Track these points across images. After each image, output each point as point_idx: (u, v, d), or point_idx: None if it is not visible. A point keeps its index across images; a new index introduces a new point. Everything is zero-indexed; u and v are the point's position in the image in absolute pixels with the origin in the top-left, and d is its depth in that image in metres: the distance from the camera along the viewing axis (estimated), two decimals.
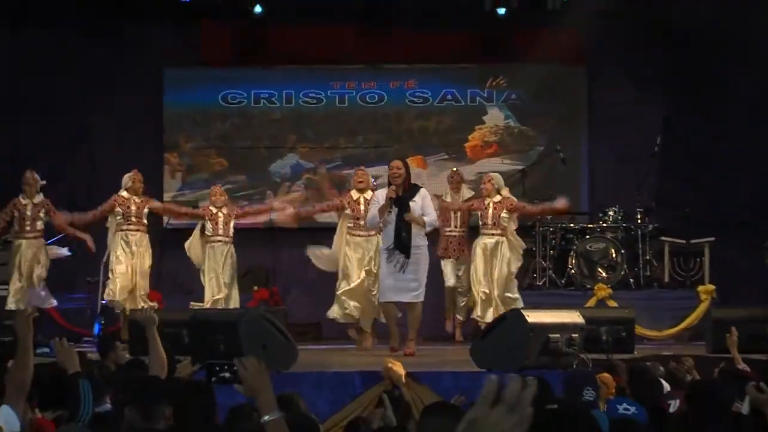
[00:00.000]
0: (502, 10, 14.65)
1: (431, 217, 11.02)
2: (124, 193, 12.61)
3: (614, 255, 13.98)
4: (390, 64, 15.84)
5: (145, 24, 14.89)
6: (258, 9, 14.71)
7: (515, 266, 12.48)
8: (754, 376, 7.08)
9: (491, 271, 12.32)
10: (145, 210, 12.71)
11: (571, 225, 14.32)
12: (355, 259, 12.14)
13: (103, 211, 12.59)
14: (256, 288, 14.24)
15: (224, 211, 12.79)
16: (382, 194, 11.07)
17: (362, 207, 11.96)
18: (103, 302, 12.79)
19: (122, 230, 12.56)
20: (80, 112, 15.05)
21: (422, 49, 15.49)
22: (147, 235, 12.73)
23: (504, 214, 12.30)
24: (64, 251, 13.13)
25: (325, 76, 15.93)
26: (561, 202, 12.81)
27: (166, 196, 15.36)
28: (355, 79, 15.92)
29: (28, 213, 12.62)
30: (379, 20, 15.03)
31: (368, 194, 11.99)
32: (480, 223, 12.47)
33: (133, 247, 12.55)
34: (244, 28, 15.34)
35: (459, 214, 13.01)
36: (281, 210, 13.07)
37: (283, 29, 15.27)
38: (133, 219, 12.57)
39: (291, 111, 15.93)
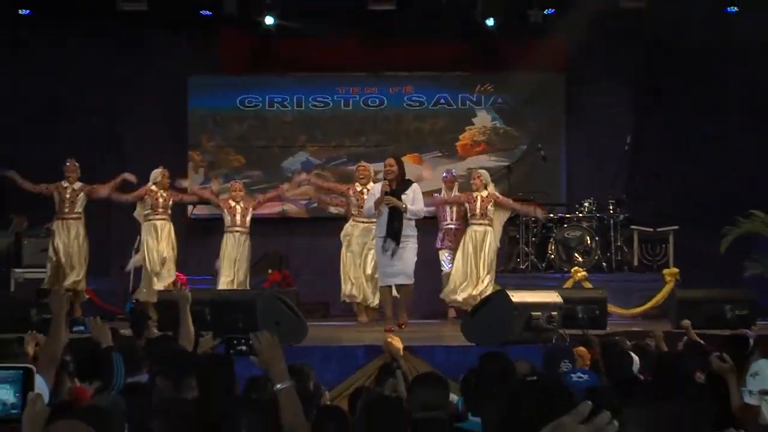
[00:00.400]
0: (490, 21, 14.64)
1: (417, 207, 11.13)
2: (153, 187, 12.76)
3: (589, 242, 14.00)
4: (390, 72, 15.83)
5: (168, 35, 14.88)
6: (270, 20, 14.69)
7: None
8: (714, 350, 7.10)
9: (478, 255, 12.38)
10: (170, 202, 12.87)
11: (551, 215, 14.30)
12: (360, 238, 12.31)
13: (136, 196, 12.78)
14: (270, 271, 14.26)
15: (242, 204, 12.82)
16: (378, 187, 11.18)
17: (365, 197, 11.99)
18: (130, 268, 13.06)
19: (149, 220, 12.76)
20: (111, 113, 15.07)
21: (418, 58, 15.50)
22: (171, 224, 12.88)
23: (490, 207, 12.37)
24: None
25: (332, 82, 15.93)
26: (540, 212, 13.21)
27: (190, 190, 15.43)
28: (358, 85, 15.93)
29: (67, 196, 12.79)
30: (380, 33, 15.02)
31: (370, 185, 12.10)
32: (469, 214, 12.50)
33: (160, 233, 12.73)
34: (259, 39, 15.31)
35: (455, 209, 13.01)
36: (293, 188, 13.30)
37: (294, 40, 15.22)
38: (160, 210, 12.77)
39: (301, 114, 15.93)
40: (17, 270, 13.83)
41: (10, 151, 14.00)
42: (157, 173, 12.83)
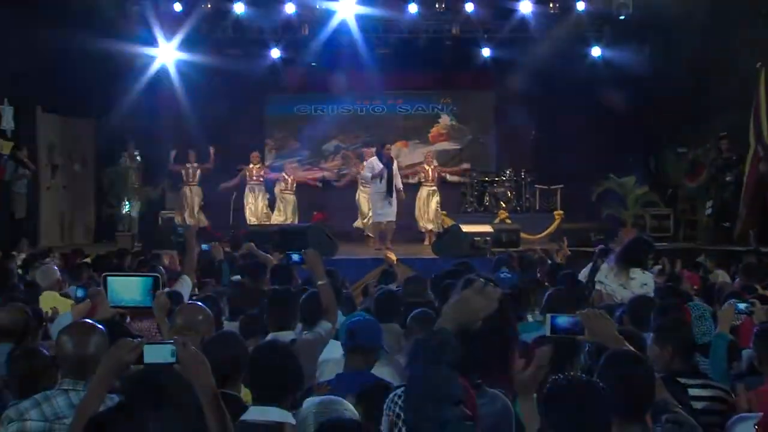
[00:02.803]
0: (449, 60, 14.59)
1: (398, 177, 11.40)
2: (250, 165, 13.32)
3: (509, 195, 14.05)
4: (387, 91, 15.62)
5: (255, 69, 14.66)
6: (313, 64, 14.68)
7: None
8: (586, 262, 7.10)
9: (429, 206, 12.49)
10: (261, 173, 13.35)
11: (486, 178, 14.34)
12: (366, 199, 12.40)
13: (238, 180, 13.30)
14: (314, 213, 14.27)
15: (291, 178, 13.38)
16: (375, 161, 11.14)
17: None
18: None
19: (249, 184, 13.29)
20: (221, 120, 14.76)
21: (405, 82, 15.40)
22: (262, 184, 13.35)
23: (436, 175, 12.60)
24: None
25: (353, 97, 15.65)
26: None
27: (267, 161, 15.32)
28: (368, 99, 15.76)
29: (191, 172, 13.40)
30: (382, 67, 14.84)
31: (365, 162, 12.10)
32: (423, 179, 12.57)
33: (256, 191, 13.30)
34: (308, 71, 15.13)
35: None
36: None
37: (329, 72, 15.06)
38: (254, 178, 13.31)
39: (334, 116, 15.76)
40: (162, 211, 13.97)
41: (154, 143, 13.88)
42: (251, 157, 13.42)
